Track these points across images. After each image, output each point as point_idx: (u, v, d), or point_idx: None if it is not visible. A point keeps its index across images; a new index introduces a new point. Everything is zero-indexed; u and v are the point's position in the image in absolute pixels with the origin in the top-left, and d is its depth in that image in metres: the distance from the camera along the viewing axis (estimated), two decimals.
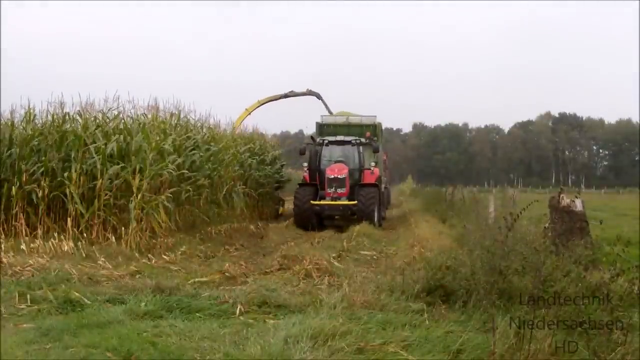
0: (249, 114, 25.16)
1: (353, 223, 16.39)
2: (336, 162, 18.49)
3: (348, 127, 20.92)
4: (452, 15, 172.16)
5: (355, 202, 17.38)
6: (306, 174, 19.17)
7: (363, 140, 19.36)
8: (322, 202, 17.64)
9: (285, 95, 26.66)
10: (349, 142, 19.15)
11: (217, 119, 18.61)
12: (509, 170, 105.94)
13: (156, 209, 11.40)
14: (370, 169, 18.88)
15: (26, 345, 5.37)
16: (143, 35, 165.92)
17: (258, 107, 25.67)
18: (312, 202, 17.44)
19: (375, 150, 19.31)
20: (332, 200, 17.60)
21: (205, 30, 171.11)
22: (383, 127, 24.22)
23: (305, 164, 19.33)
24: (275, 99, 26.50)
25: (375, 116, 21.85)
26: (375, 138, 20.36)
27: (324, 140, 19.41)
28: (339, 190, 17.63)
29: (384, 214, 21.10)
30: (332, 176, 17.67)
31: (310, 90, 27.16)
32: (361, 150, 19.07)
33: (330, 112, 25.10)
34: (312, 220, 17.44)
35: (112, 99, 12.86)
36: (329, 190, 17.69)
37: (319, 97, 26.96)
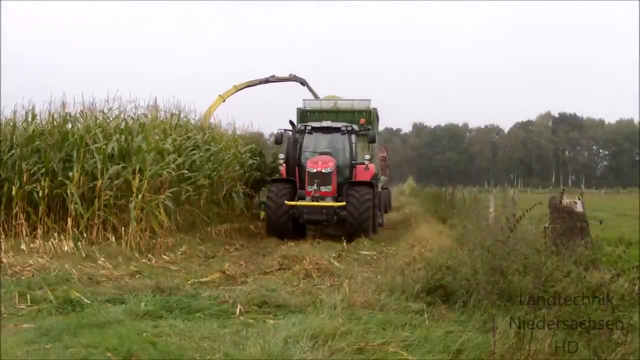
0: (224, 101, 22.34)
1: (344, 231, 14.01)
2: (321, 153, 15.18)
3: (336, 114, 17.44)
4: (452, 15, 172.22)
5: (344, 203, 14.00)
6: (283, 169, 15.43)
7: (356, 127, 15.85)
8: (299, 202, 14.12)
9: (266, 80, 23.66)
10: (337, 130, 15.56)
11: (217, 118, 18.47)
12: (509, 170, 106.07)
13: (156, 209, 11.40)
14: (364, 164, 15.19)
15: (26, 345, 5.37)
16: (142, 33, 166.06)
17: (234, 92, 22.87)
18: (286, 202, 13.93)
19: (372, 141, 15.90)
20: (312, 201, 14.11)
21: (205, 29, 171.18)
22: (383, 128, 23.00)
23: (282, 156, 15.41)
24: (254, 84, 23.60)
25: (370, 100, 18.15)
26: (370, 127, 16.59)
27: (305, 126, 15.75)
28: (323, 189, 14.17)
29: (382, 221, 17.84)
30: (315, 170, 14.27)
31: (294, 75, 24.08)
32: (353, 140, 15.55)
33: (318, 99, 21.47)
34: (286, 225, 13.99)
35: (113, 99, 12.92)
36: (309, 189, 14.21)
37: (303, 83, 23.90)
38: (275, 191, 14.36)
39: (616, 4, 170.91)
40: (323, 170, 14.30)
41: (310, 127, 15.69)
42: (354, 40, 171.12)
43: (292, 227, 14.15)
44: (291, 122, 15.97)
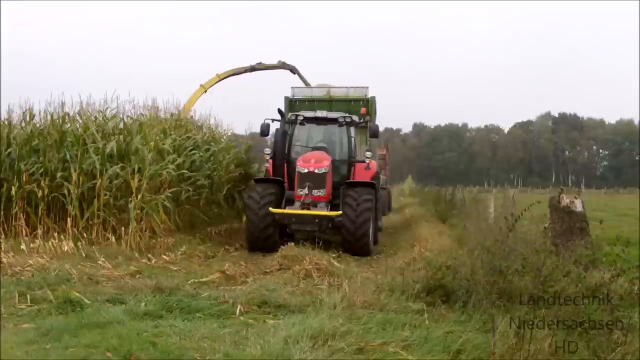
0: (205, 91, 20.62)
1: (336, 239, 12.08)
2: (314, 148, 13.15)
3: (329, 103, 15.52)
4: (452, 15, 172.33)
5: (340, 212, 11.73)
6: (269, 166, 13.28)
7: (355, 118, 13.70)
8: (286, 210, 11.91)
9: (252, 68, 21.77)
10: (334, 121, 13.38)
11: (217, 118, 18.37)
12: (509, 170, 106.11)
13: (155, 209, 11.39)
14: (365, 162, 13.06)
15: (26, 345, 5.37)
16: (141, 33, 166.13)
17: (217, 82, 21.19)
18: (271, 210, 11.70)
19: (374, 135, 13.53)
20: (302, 209, 11.83)
21: (205, 29, 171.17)
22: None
23: (268, 151, 13.26)
24: (239, 73, 21.79)
25: (367, 87, 16.02)
26: (369, 118, 14.72)
27: (296, 116, 13.48)
28: (316, 193, 12.00)
29: (382, 225, 15.72)
30: (306, 170, 12.05)
31: (284, 63, 22.01)
32: (352, 134, 13.46)
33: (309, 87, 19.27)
34: (271, 238, 11.79)
35: (111, 99, 12.92)
36: (300, 192, 12.02)
37: (294, 70, 21.83)
38: (257, 196, 12.02)
39: (616, 4, 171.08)
40: (316, 171, 12.05)
41: (302, 117, 13.46)
42: (353, 40, 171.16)
43: (279, 236, 11.97)
44: (280, 111, 13.47)
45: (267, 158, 13.15)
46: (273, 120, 13.37)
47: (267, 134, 13.56)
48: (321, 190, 12.09)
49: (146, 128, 12.35)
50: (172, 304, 6.87)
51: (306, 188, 11.96)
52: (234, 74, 21.72)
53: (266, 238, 11.80)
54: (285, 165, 13.02)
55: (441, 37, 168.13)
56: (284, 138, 13.18)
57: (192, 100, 19.72)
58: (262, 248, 11.71)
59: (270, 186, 12.39)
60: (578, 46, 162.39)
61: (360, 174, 13.15)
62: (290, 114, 13.86)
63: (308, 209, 11.84)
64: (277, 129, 13.31)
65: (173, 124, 14.39)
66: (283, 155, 13.07)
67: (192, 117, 16.70)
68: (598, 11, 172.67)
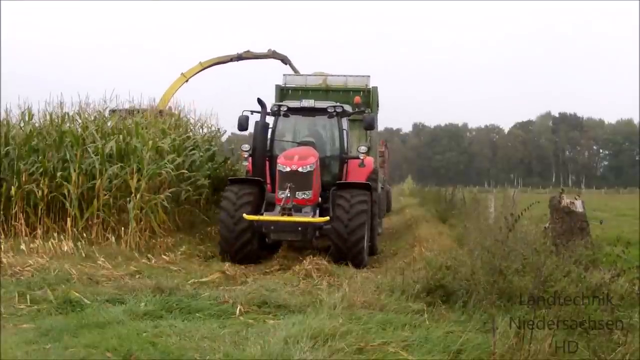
0: (187, 80, 19.45)
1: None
2: (300, 143, 11.48)
3: (326, 93, 14.08)
4: (452, 15, 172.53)
5: (327, 218, 10.19)
6: (248, 164, 11.71)
7: (348, 108, 11.85)
8: (263, 216, 10.21)
9: (239, 57, 20.54)
10: (323, 111, 11.49)
11: (218, 118, 18.28)
12: (509, 170, 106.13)
13: (155, 209, 11.38)
14: (359, 158, 11.26)
15: (26, 345, 5.37)
16: (140, 32, 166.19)
17: (200, 71, 20.06)
18: (245, 216, 10.09)
19: (369, 127, 11.84)
20: (282, 214, 10.13)
21: (204, 27, 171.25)
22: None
23: (247, 148, 11.38)
24: (225, 62, 20.60)
25: (369, 77, 14.61)
26: (369, 110, 13.10)
27: (279, 107, 11.63)
28: (300, 195, 10.31)
29: (381, 229, 14.30)
30: (288, 169, 10.34)
31: (274, 52, 20.82)
32: (344, 126, 11.71)
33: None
34: (248, 248, 10.27)
35: (109, 98, 12.95)
36: (280, 195, 10.32)
37: (285, 60, 20.66)
38: (232, 198, 10.42)
39: (616, 3, 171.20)
40: (300, 169, 10.34)
41: (286, 108, 11.59)
42: (352, 39, 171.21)
43: (258, 246, 10.48)
44: (259, 101, 11.52)
45: (246, 155, 11.41)
46: (252, 112, 11.59)
47: (246, 128, 11.71)
48: (306, 192, 10.39)
49: (142, 127, 12.31)
50: (172, 304, 6.88)
51: (287, 190, 10.21)
52: (218, 63, 20.58)
53: (241, 248, 10.23)
54: (267, 163, 11.37)
55: (441, 37, 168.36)
56: (264, 132, 11.44)
57: (172, 90, 18.85)
58: (237, 259, 10.14)
59: (248, 187, 10.70)
60: (578, 46, 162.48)
61: (354, 173, 11.49)
62: (272, 104, 11.95)
63: (289, 214, 10.13)
64: (256, 122, 11.46)
65: (173, 124, 14.39)
66: (264, 151, 11.35)
67: (170, 107, 15.99)
68: (598, 11, 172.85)
